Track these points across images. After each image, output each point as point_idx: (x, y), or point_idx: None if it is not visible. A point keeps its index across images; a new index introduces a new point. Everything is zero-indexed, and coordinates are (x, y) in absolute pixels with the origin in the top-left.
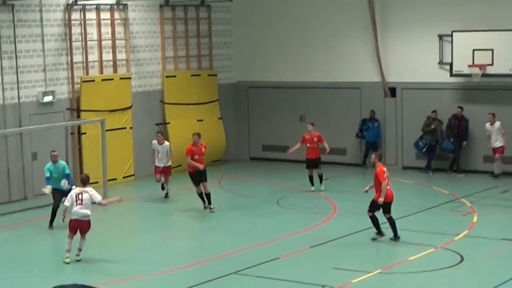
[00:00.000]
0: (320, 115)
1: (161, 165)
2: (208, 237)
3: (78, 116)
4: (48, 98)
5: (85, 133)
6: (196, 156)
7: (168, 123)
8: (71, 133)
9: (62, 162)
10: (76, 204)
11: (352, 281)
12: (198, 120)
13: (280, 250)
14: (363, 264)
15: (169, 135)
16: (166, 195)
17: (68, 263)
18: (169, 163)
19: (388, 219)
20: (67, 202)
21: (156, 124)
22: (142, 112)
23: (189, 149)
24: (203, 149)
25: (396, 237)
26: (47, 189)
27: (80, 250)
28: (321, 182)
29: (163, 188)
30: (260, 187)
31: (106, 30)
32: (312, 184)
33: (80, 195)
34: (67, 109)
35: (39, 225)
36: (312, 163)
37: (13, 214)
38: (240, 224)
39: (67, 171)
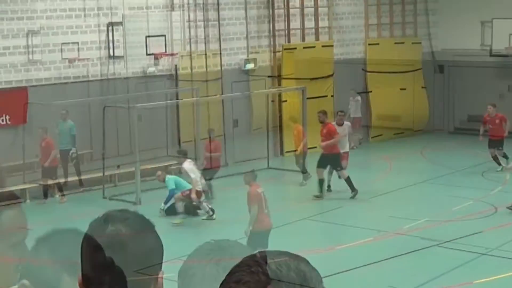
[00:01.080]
0: None
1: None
2: (408, 207)
3: (279, 84)
4: (250, 66)
5: (285, 100)
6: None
7: (370, 91)
8: (272, 101)
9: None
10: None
11: None
12: (400, 89)
13: (485, 224)
14: None
15: (370, 103)
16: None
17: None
18: (347, 148)
19: None
20: (192, 174)
21: (358, 93)
22: (343, 80)
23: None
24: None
25: None
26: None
27: None
28: (506, 159)
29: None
30: (464, 159)
31: None
32: (498, 164)
33: None
34: (268, 76)
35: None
36: (494, 143)
37: (216, 179)
38: (441, 196)
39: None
